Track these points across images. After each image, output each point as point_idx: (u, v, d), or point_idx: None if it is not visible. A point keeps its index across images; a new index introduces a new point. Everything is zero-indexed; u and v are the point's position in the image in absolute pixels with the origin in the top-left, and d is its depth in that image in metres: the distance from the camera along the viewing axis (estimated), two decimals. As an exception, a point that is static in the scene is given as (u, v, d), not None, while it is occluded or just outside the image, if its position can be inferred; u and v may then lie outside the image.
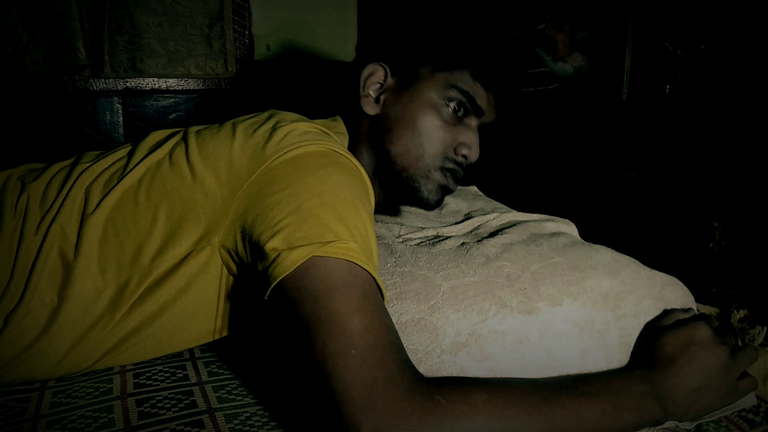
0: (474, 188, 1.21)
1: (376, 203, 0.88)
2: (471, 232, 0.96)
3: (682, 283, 0.81)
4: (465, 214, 1.05)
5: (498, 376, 0.69)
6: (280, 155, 0.68)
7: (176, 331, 0.75)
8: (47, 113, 1.58)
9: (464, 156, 0.86)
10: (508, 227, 0.92)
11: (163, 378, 0.78)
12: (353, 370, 0.56)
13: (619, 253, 0.83)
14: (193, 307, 0.74)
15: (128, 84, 1.65)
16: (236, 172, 0.69)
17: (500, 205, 1.11)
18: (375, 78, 0.87)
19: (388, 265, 0.79)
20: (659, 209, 1.25)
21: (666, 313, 0.76)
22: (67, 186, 0.76)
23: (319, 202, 0.64)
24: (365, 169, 0.75)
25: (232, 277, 0.73)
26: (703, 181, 1.19)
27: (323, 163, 0.68)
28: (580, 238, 0.94)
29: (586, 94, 1.73)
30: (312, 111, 0.87)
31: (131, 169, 0.75)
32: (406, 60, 0.87)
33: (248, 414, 0.70)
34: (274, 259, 0.61)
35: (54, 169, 0.81)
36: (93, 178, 0.76)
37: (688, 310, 0.77)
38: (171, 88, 1.70)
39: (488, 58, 0.86)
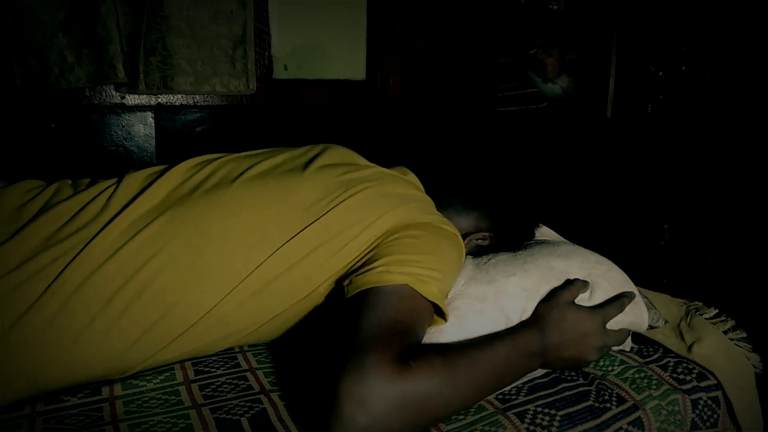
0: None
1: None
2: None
3: (618, 267, 0.97)
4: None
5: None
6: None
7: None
8: (87, 125, 1.76)
9: None
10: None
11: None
12: (367, 335, 0.74)
13: (580, 247, 1.01)
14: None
15: (160, 100, 1.83)
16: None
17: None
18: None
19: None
20: (632, 215, 1.42)
21: (568, 282, 0.89)
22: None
23: (431, 257, 0.86)
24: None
25: None
26: (658, 192, 1.34)
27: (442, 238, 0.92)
28: (561, 238, 1.11)
29: (573, 113, 1.90)
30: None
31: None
32: None
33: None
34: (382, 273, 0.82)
35: (101, 186, 0.98)
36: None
37: (584, 282, 0.89)
38: (198, 104, 1.88)
39: None
